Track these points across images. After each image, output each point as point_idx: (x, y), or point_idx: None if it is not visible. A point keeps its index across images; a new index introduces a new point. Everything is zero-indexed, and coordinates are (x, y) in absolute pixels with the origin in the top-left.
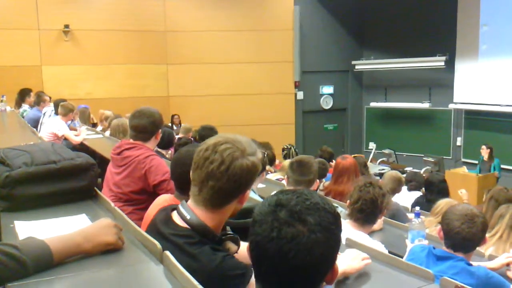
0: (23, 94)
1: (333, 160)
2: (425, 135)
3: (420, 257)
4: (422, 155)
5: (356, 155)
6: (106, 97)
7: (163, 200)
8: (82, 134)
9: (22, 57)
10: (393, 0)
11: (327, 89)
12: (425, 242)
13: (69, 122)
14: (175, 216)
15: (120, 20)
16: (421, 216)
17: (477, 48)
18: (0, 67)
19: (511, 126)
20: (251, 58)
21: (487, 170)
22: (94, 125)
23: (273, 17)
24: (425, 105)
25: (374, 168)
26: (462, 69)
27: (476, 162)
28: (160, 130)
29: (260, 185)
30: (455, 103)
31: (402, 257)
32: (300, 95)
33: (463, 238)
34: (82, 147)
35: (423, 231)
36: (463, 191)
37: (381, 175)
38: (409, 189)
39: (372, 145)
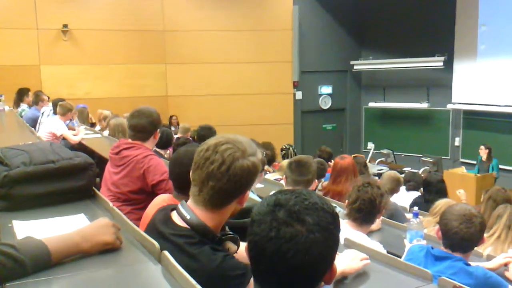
0: (21, 94)
1: (332, 160)
2: (423, 135)
3: (419, 257)
4: (421, 155)
5: (356, 155)
6: (104, 96)
7: (161, 200)
8: (81, 134)
9: (21, 56)
10: (391, 1)
11: (326, 89)
12: (423, 242)
13: (68, 121)
14: (174, 216)
15: (118, 20)
16: (419, 216)
17: (476, 48)
18: None
19: (510, 126)
20: (250, 58)
21: (486, 170)
22: (93, 124)
23: (272, 17)
24: (424, 105)
25: (372, 168)
26: (461, 69)
27: (475, 162)
28: (159, 130)
29: (259, 185)
30: (454, 103)
31: (400, 257)
32: (299, 95)
33: (461, 238)
34: (80, 147)
35: (421, 231)
36: (461, 191)
37: (379, 175)
38: (408, 189)
39: (370, 145)
